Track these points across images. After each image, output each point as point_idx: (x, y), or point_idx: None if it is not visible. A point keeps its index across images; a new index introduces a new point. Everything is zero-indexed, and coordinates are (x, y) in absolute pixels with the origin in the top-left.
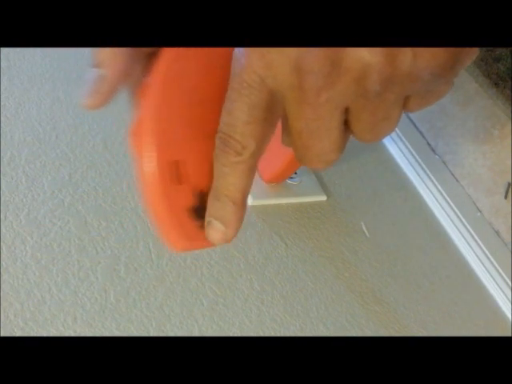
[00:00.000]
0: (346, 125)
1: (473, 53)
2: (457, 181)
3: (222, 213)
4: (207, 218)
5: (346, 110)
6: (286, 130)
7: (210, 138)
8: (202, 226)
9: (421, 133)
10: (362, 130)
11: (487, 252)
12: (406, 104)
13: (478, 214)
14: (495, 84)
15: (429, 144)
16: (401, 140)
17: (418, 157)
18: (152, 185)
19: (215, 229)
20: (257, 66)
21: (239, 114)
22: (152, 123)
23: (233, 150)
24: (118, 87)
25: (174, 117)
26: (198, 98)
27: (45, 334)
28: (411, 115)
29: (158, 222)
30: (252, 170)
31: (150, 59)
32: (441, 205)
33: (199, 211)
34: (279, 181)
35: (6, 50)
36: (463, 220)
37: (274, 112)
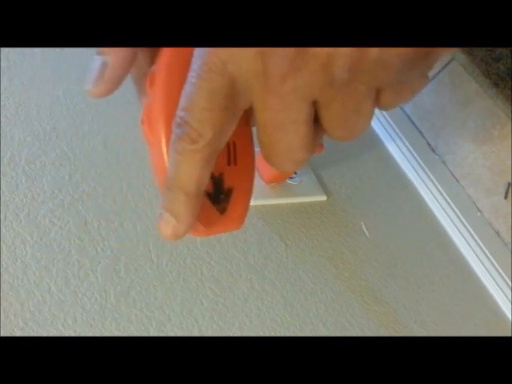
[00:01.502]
0: (317, 122)
1: None
2: (457, 181)
3: (173, 205)
4: (159, 211)
5: (315, 104)
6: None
7: None
8: (221, 210)
9: (421, 133)
10: (332, 125)
11: (487, 252)
12: (378, 98)
13: (478, 214)
14: (495, 84)
15: (429, 144)
16: (401, 140)
17: (417, 157)
18: (165, 170)
19: (165, 222)
20: (219, 49)
21: (197, 98)
22: (162, 110)
23: (188, 137)
24: (121, 75)
25: None
26: None
27: (45, 334)
28: (411, 115)
29: None
30: (208, 160)
31: (154, 48)
32: (441, 205)
33: (216, 196)
34: (279, 181)
35: (5, 50)
36: (463, 220)
37: (236, 102)
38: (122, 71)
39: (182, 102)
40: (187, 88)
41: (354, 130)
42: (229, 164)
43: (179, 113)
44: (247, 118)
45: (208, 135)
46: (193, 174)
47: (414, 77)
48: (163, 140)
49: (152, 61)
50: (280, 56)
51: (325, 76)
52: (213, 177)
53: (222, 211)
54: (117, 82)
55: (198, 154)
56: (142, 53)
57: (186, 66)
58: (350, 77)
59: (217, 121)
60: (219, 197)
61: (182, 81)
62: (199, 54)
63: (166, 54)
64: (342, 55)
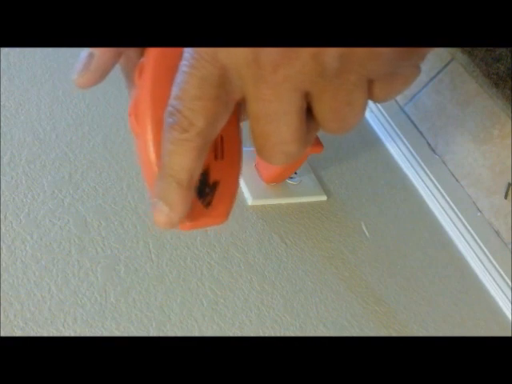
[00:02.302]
0: (310, 116)
1: None
2: (457, 181)
3: (166, 194)
4: (153, 199)
5: (308, 96)
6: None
7: None
8: (206, 204)
9: (421, 132)
10: (325, 117)
11: (487, 252)
12: (371, 90)
13: (478, 213)
14: (495, 84)
15: (429, 144)
16: (401, 140)
17: (417, 156)
18: (152, 163)
19: (159, 210)
20: None
21: (188, 87)
22: (149, 102)
23: (179, 126)
24: (108, 65)
25: (169, 95)
26: None
27: (45, 334)
28: (411, 115)
29: None
30: (200, 150)
31: None
32: (441, 205)
33: (201, 189)
34: (279, 181)
35: (5, 50)
36: (463, 220)
37: (228, 91)
38: (108, 62)
39: (174, 90)
40: (179, 76)
41: (346, 122)
42: (216, 158)
43: (171, 101)
44: (237, 113)
45: (199, 124)
46: (184, 163)
47: (406, 67)
48: (149, 132)
49: (142, 53)
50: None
51: (316, 65)
52: None
53: (207, 205)
54: (103, 73)
55: (189, 143)
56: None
57: (174, 58)
58: (341, 66)
59: (208, 110)
60: (204, 190)
61: (170, 73)
62: None
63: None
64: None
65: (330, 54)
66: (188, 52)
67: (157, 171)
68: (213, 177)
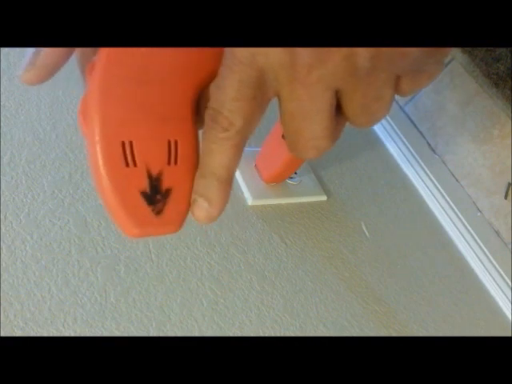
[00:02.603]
0: (339, 111)
1: None
2: (457, 181)
3: (206, 190)
4: (193, 196)
5: (338, 93)
6: (281, 114)
7: (164, 121)
8: (156, 212)
9: (421, 132)
10: (355, 113)
11: (487, 252)
12: (397, 85)
13: (478, 213)
14: (495, 84)
15: (429, 144)
16: (401, 140)
17: (417, 156)
18: (98, 165)
19: (199, 206)
20: None
21: (229, 90)
22: (97, 101)
23: (220, 126)
24: (55, 63)
25: (120, 96)
26: (147, 79)
27: (45, 334)
28: (411, 115)
29: (107, 205)
30: (238, 148)
31: None
32: (441, 205)
33: (151, 196)
34: (279, 181)
35: (5, 50)
36: (463, 220)
37: (264, 91)
38: (55, 59)
39: (214, 93)
40: (218, 80)
41: (375, 116)
42: (169, 163)
43: (211, 104)
44: (193, 116)
45: (238, 123)
46: (224, 160)
47: (431, 64)
48: (97, 131)
49: (96, 50)
50: (306, 48)
51: (348, 66)
52: (149, 176)
53: (158, 213)
54: (50, 70)
55: (229, 141)
56: None
57: (127, 57)
58: (372, 66)
59: (246, 110)
60: (155, 197)
61: (123, 71)
62: (228, 49)
63: None
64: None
65: (362, 55)
66: (227, 58)
67: (104, 174)
68: (166, 183)
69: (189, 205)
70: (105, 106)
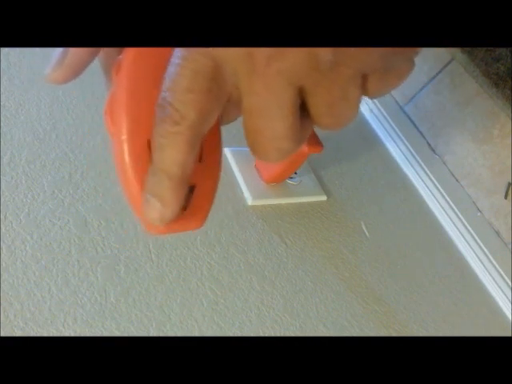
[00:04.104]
0: (304, 113)
1: None
2: (457, 181)
3: (157, 189)
4: (146, 195)
5: (302, 92)
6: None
7: None
8: (181, 209)
9: (421, 132)
10: (319, 112)
11: (487, 252)
12: (365, 85)
13: (478, 213)
14: (495, 84)
15: (429, 144)
16: (401, 140)
17: (417, 157)
18: (125, 163)
19: (151, 206)
20: None
21: (180, 79)
22: (124, 100)
23: (170, 119)
24: (82, 62)
25: (146, 95)
26: None
27: (45, 334)
28: (411, 115)
29: (132, 203)
30: (192, 144)
31: None
32: (441, 205)
33: None
34: (279, 181)
35: (5, 50)
36: (463, 220)
37: (220, 85)
38: (82, 58)
39: (166, 82)
40: (170, 68)
41: (341, 117)
42: None
43: (162, 94)
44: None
45: (191, 117)
46: (176, 157)
47: (400, 61)
48: (124, 131)
49: (121, 49)
50: None
51: (309, 59)
52: None
53: (182, 209)
54: (77, 69)
55: (180, 136)
56: None
57: (153, 56)
58: (335, 60)
59: (200, 103)
60: None
61: (149, 71)
62: None
63: None
64: None
65: (324, 48)
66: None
67: (131, 173)
68: (190, 180)
69: (211, 202)
70: (132, 106)
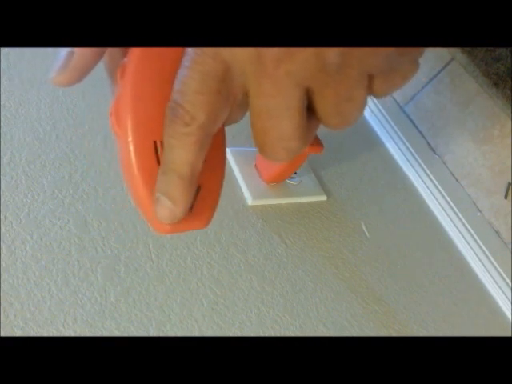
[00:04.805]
0: (311, 112)
1: None
2: (457, 181)
3: (168, 188)
4: (156, 194)
5: (309, 92)
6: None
7: None
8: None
9: (421, 132)
10: (327, 112)
11: (487, 252)
12: (371, 85)
13: (478, 213)
14: (495, 84)
15: (429, 144)
16: (401, 140)
17: (417, 157)
18: (131, 164)
19: (162, 205)
20: None
21: (190, 81)
22: (130, 102)
23: (181, 120)
24: (88, 64)
25: (152, 96)
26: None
27: (45, 334)
28: (411, 115)
29: (138, 203)
30: (202, 144)
31: None
32: (441, 205)
33: None
34: (279, 181)
35: (5, 50)
36: (463, 220)
37: (229, 86)
38: (88, 61)
39: (176, 84)
40: (181, 71)
41: (347, 117)
42: None
43: (173, 95)
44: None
45: (201, 118)
46: (186, 157)
47: (405, 63)
48: (130, 133)
49: (125, 51)
50: None
51: (317, 61)
52: None
53: (188, 209)
54: (82, 72)
55: (190, 137)
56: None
57: (158, 58)
58: (342, 62)
59: (210, 104)
60: None
61: (154, 73)
62: None
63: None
64: None
65: (332, 50)
66: (191, 47)
67: (138, 173)
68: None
69: (217, 201)
70: (137, 107)
